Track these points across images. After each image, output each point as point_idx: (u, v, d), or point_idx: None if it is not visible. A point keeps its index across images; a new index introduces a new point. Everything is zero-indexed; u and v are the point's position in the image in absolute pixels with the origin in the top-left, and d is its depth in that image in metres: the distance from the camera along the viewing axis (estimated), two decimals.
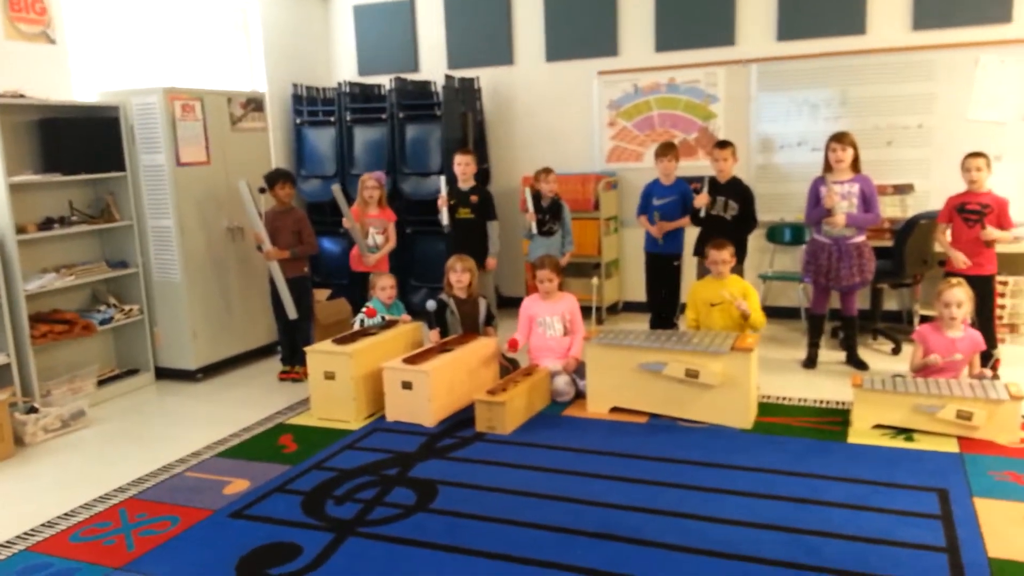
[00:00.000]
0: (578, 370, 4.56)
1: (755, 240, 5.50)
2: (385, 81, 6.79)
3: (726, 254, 4.52)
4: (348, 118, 6.73)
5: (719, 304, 4.49)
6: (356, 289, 5.51)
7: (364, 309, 4.93)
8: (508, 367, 4.72)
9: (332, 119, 6.79)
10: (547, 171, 5.60)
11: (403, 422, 4.23)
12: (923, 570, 2.63)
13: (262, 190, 5.16)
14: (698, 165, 5.97)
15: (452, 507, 3.24)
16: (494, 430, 4.05)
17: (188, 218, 5.19)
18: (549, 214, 5.60)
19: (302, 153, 6.92)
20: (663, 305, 5.50)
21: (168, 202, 5.10)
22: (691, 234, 5.37)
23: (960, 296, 4.04)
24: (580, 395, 4.48)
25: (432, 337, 4.78)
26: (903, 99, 5.75)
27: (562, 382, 4.51)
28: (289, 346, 5.25)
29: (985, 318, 4.52)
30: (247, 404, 4.73)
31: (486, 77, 6.86)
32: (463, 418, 4.24)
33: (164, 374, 5.33)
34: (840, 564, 2.69)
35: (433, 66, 7.02)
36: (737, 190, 5.17)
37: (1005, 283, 5.28)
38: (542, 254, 5.07)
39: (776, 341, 5.61)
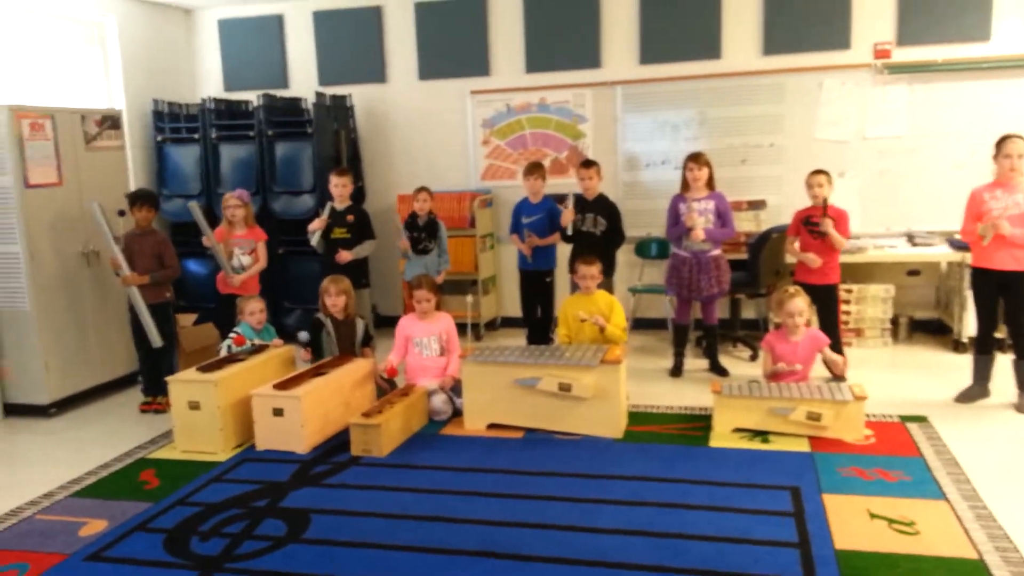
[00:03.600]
0: (455, 388, 4.57)
1: (624, 255, 5.70)
2: (253, 97, 6.62)
3: (594, 270, 4.65)
4: (213, 135, 6.51)
5: (587, 320, 4.62)
6: (224, 313, 5.31)
7: (231, 336, 4.77)
8: (385, 388, 4.68)
9: (196, 136, 6.55)
10: (420, 190, 5.62)
11: (274, 450, 4.11)
12: (777, 565, 2.79)
13: (121, 212, 4.92)
14: (571, 183, 6.10)
15: (326, 535, 3.18)
16: (370, 453, 4.01)
17: (39, 243, 4.87)
18: (425, 232, 5.61)
19: (164, 172, 6.64)
20: (539, 321, 5.61)
21: (15, 226, 4.78)
22: (564, 250, 5.51)
23: (801, 305, 4.35)
24: (458, 413, 4.49)
25: (303, 356, 4.69)
26: (756, 120, 6.13)
27: (439, 401, 4.51)
28: (150, 375, 5.00)
29: (831, 324, 4.85)
30: (105, 439, 4.47)
31: (359, 95, 6.81)
32: (338, 443, 4.16)
33: (14, 410, 4.97)
34: (703, 564, 2.82)
35: (303, 83, 6.91)
36: (604, 207, 5.34)
37: (850, 291, 5.69)
38: (419, 273, 5.09)
39: (645, 351, 5.82)
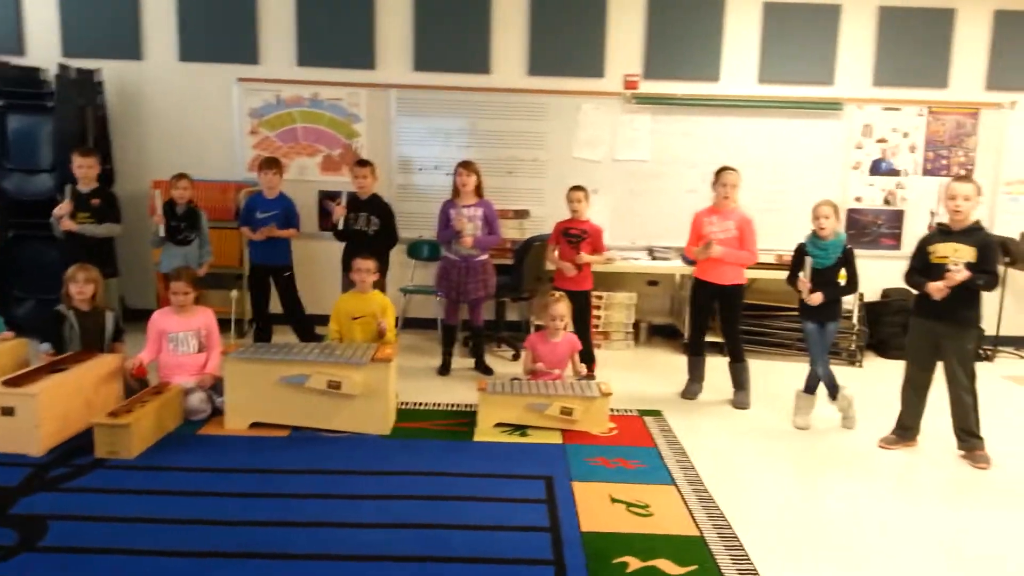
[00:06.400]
0: (215, 387, 4.38)
1: (396, 255, 5.79)
2: None
3: (371, 264, 4.69)
4: None
5: (361, 318, 4.64)
6: None
7: None
8: (135, 387, 4.37)
9: None
10: (179, 176, 5.32)
11: (3, 453, 3.69)
12: (531, 549, 3.01)
13: None
14: (343, 181, 6.10)
15: (66, 543, 2.93)
16: (117, 455, 3.73)
17: None
18: (185, 222, 5.31)
19: None
20: (299, 319, 5.60)
21: None
22: (330, 249, 5.48)
23: (562, 309, 4.73)
24: (217, 412, 4.31)
25: (44, 358, 4.26)
26: (521, 135, 6.50)
27: (197, 399, 4.30)
28: None
29: (584, 327, 5.27)
30: None
31: (110, 70, 6.27)
32: (80, 444, 3.84)
33: None
34: (467, 552, 2.97)
35: (43, 52, 6.23)
36: (377, 206, 5.40)
37: (600, 297, 6.22)
38: (178, 265, 4.81)
39: (415, 350, 5.95)
